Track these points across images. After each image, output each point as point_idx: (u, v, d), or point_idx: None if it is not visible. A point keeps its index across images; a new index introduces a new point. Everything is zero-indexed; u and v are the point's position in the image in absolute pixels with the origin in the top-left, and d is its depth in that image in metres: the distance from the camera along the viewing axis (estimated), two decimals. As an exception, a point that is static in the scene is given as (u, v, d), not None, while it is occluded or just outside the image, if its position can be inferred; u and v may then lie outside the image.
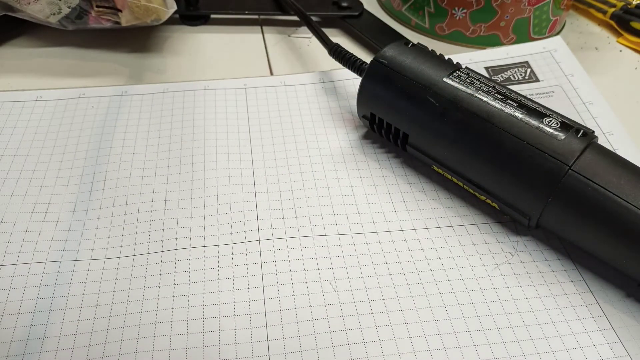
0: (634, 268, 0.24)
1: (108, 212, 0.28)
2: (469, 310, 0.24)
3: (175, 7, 0.37)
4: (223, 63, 0.39)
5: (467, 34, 0.41)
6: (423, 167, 0.31)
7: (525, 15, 0.40)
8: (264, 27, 0.43)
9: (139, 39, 0.41)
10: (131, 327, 0.23)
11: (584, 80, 0.36)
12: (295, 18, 0.42)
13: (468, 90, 0.27)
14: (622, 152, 0.31)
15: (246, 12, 0.42)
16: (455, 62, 0.30)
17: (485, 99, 0.27)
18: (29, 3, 0.35)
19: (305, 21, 0.38)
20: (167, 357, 0.22)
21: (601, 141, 0.31)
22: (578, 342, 0.23)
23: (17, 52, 0.39)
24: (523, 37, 0.41)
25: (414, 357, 0.22)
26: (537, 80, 0.36)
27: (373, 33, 0.41)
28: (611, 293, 0.25)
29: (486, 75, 0.36)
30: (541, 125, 0.25)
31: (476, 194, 0.28)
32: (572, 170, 0.24)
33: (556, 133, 0.25)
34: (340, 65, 0.34)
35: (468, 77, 0.28)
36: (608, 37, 0.44)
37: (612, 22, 0.44)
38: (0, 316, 0.23)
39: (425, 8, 0.41)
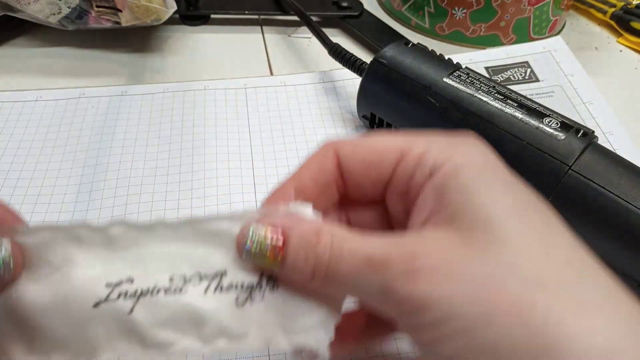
0: (634, 268, 0.24)
1: (108, 213, 0.28)
2: (469, 310, 0.24)
3: (175, 7, 0.37)
4: (223, 63, 0.39)
5: (467, 34, 0.41)
6: (423, 167, 0.31)
7: (525, 15, 0.40)
8: (264, 27, 0.43)
9: (139, 39, 0.41)
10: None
11: (584, 80, 0.36)
12: (295, 18, 0.42)
13: (468, 90, 0.27)
14: (622, 152, 0.31)
15: (246, 12, 0.42)
16: (455, 62, 0.30)
17: (485, 99, 0.27)
18: (29, 3, 0.35)
19: (305, 21, 0.38)
20: (167, 357, 0.22)
21: (601, 141, 0.31)
22: (578, 342, 0.23)
23: (17, 52, 0.39)
24: (523, 37, 0.41)
25: (414, 355, 0.22)
26: (537, 80, 0.36)
27: (373, 33, 0.41)
28: (611, 293, 0.25)
29: (486, 75, 0.36)
30: (541, 125, 0.25)
31: (476, 194, 0.28)
32: (572, 170, 0.24)
33: (556, 133, 0.25)
34: (340, 65, 0.34)
35: (468, 77, 0.28)
36: (608, 37, 0.44)
37: (612, 22, 0.44)
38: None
39: (425, 8, 0.41)
